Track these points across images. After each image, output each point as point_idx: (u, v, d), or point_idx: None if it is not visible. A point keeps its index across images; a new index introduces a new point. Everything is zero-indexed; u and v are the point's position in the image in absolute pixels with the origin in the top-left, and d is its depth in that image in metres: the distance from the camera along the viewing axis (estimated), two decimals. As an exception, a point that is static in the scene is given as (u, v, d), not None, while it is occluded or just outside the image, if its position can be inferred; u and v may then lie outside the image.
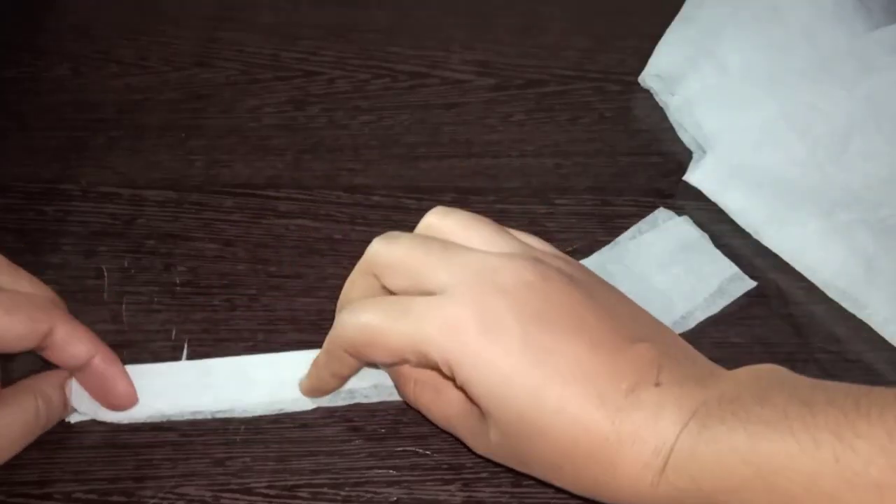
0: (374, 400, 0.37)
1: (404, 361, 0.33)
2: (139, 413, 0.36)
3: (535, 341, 0.30)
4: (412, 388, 0.35)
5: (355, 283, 0.35)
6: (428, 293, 0.32)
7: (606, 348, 0.30)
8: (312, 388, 0.36)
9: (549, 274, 0.32)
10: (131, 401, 0.35)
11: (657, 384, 0.30)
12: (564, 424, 0.29)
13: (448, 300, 0.31)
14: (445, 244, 0.33)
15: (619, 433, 0.29)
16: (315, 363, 0.36)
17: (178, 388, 0.37)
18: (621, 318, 0.32)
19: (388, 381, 0.37)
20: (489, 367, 0.30)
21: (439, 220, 0.35)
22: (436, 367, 0.31)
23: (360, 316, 0.32)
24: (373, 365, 0.36)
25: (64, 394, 0.35)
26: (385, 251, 0.33)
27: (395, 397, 0.37)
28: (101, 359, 0.34)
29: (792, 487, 0.27)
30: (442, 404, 0.34)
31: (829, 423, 0.27)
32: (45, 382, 0.34)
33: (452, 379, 0.31)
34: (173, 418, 0.36)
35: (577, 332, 0.30)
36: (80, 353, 0.34)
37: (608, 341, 0.30)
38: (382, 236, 0.34)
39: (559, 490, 0.36)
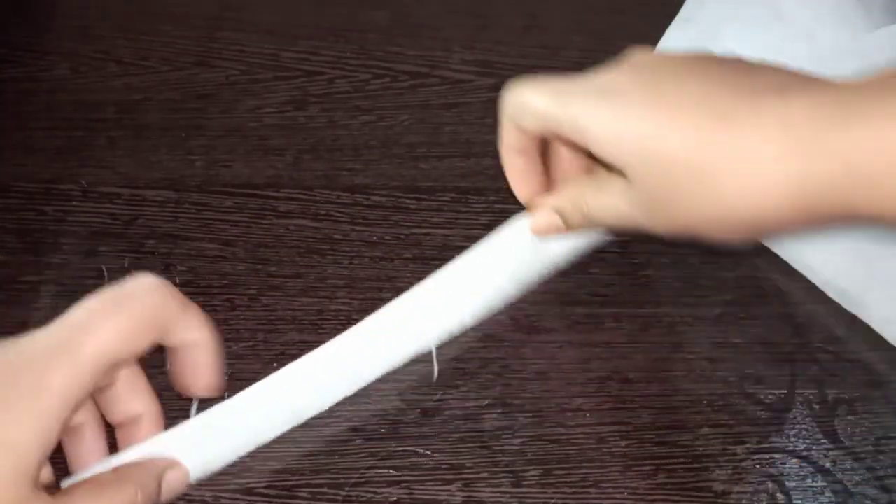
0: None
1: (545, 131, 0.37)
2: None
3: (654, 89, 0.33)
4: (590, 213, 0.37)
5: None
6: None
7: (721, 80, 0.32)
8: (522, 186, 0.40)
9: (676, 53, 0.36)
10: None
11: (780, 95, 0.31)
12: (689, 146, 0.31)
13: (590, 82, 0.35)
14: None
15: (743, 138, 0.31)
16: (504, 163, 0.40)
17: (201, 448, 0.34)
18: (750, 68, 0.34)
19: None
20: (614, 123, 0.33)
21: None
22: (567, 139, 0.36)
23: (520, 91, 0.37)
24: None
25: (160, 485, 0.32)
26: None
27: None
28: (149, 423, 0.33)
29: None
30: (610, 199, 0.36)
31: None
32: (146, 472, 0.32)
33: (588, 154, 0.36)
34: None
35: (696, 75, 0.33)
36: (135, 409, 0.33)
37: (729, 78, 0.32)
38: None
39: (559, 490, 0.36)
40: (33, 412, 0.28)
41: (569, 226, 0.39)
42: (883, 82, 0.31)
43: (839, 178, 0.30)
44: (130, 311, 0.30)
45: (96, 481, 0.31)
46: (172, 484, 0.32)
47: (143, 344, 0.30)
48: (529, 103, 0.36)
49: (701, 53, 0.36)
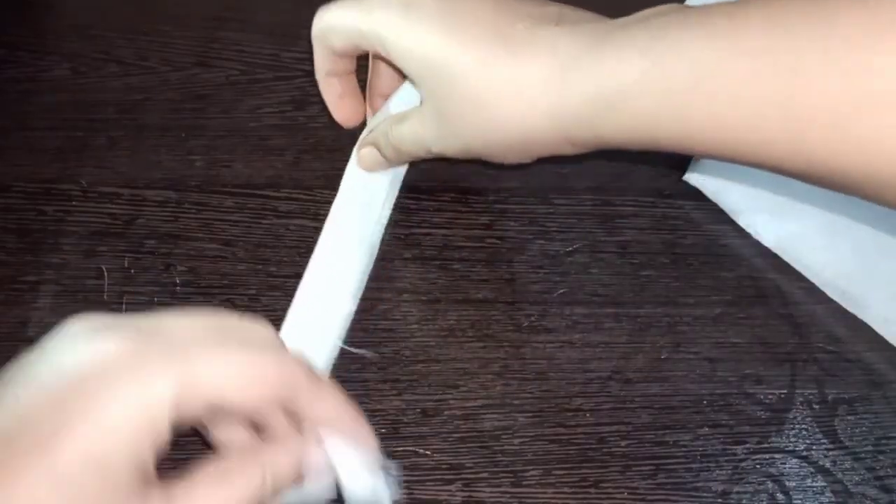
0: None
1: (353, 47, 0.38)
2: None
3: (448, 5, 0.35)
4: (395, 143, 0.39)
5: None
6: None
7: (511, 7, 0.34)
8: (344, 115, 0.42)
9: None
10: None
11: (556, 24, 0.34)
12: (471, 64, 0.34)
13: None
14: None
15: (518, 61, 0.33)
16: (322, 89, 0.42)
17: None
18: None
19: None
20: (408, 35, 0.35)
21: None
22: (375, 53, 0.37)
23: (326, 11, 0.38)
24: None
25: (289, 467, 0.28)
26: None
27: None
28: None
29: (682, 72, 0.30)
30: (409, 126, 0.38)
31: (720, 12, 0.30)
32: (272, 452, 0.28)
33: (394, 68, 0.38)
34: None
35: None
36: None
37: (519, 5, 0.35)
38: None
39: (559, 490, 0.36)
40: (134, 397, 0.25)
41: (386, 158, 0.40)
42: (641, 19, 0.33)
43: (589, 103, 0.32)
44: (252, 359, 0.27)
45: (221, 466, 0.27)
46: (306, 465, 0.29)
47: (253, 399, 0.27)
48: (337, 21, 0.37)
49: None
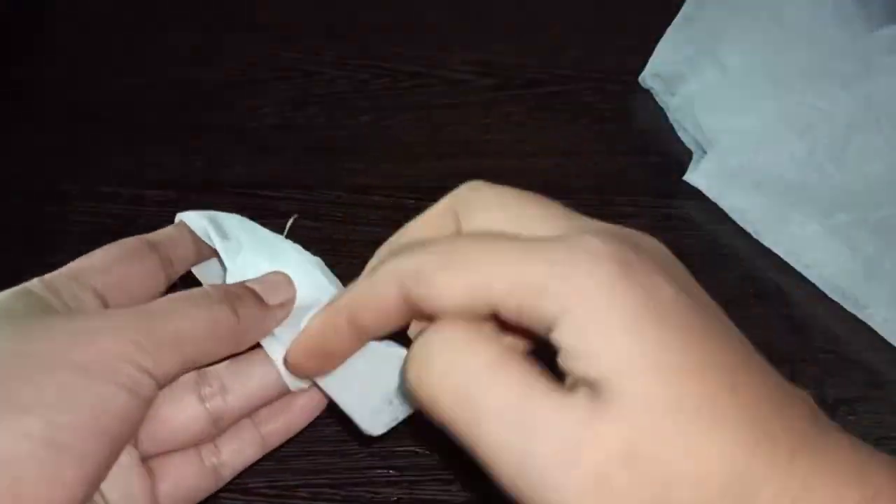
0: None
1: (470, 313, 0.22)
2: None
3: (694, 326, 0.22)
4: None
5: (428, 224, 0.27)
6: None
7: (753, 385, 0.22)
8: (311, 348, 0.26)
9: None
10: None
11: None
12: (713, 461, 0.20)
13: (581, 238, 0.22)
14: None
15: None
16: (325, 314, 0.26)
17: None
18: (755, 354, 0.24)
19: None
20: (634, 336, 0.21)
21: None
22: (528, 330, 0.22)
23: (422, 251, 0.24)
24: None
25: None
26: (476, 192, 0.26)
27: None
28: None
29: None
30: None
31: None
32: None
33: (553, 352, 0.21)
34: None
35: (728, 344, 0.23)
36: None
37: (753, 379, 0.22)
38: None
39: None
40: None
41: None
42: None
43: None
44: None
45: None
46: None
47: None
48: (446, 283, 0.22)
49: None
